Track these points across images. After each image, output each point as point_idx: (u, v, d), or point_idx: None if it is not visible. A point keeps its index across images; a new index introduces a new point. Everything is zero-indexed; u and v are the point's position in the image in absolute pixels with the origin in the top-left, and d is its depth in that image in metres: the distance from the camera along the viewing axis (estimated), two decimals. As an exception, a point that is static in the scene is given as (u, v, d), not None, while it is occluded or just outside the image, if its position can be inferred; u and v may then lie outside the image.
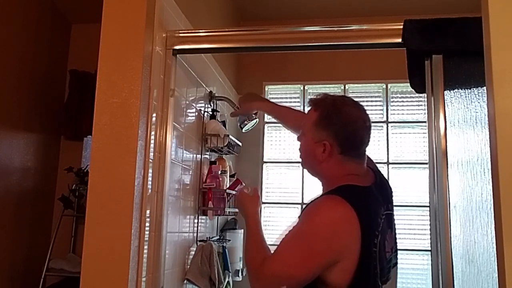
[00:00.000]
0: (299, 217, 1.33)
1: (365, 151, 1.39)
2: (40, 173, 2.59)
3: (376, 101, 2.84)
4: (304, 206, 2.56)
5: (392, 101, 2.84)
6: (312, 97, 1.44)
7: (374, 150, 2.72)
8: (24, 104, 2.44)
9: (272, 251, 1.30)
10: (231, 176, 2.40)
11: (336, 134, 1.31)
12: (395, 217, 1.47)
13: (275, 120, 3.02)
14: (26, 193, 2.46)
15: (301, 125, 1.44)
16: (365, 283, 1.24)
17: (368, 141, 1.38)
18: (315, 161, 1.35)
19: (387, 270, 1.33)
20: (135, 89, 1.43)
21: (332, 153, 1.32)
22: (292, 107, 1.95)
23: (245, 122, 2.04)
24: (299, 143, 1.45)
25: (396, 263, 1.42)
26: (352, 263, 1.21)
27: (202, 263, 1.86)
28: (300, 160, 1.46)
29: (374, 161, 1.53)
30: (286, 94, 3.00)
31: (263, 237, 1.38)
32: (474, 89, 1.35)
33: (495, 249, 0.86)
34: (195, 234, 1.98)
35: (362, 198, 1.27)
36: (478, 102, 1.32)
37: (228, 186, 2.27)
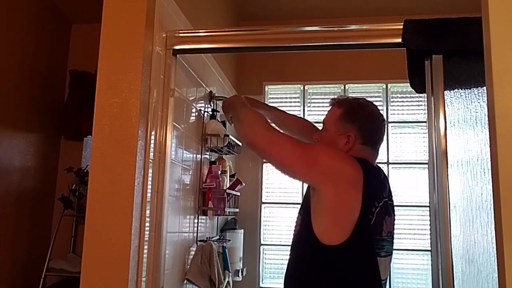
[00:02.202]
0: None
1: (379, 149, 1.51)
2: (40, 173, 2.59)
3: (376, 101, 2.82)
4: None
5: (392, 101, 2.84)
6: (333, 97, 1.57)
7: (374, 150, 2.72)
8: (24, 104, 2.44)
9: None
10: (231, 176, 2.40)
11: (360, 127, 1.46)
12: (395, 216, 1.49)
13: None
14: (26, 193, 2.46)
15: (323, 121, 1.56)
16: (362, 244, 1.32)
17: (383, 139, 1.52)
18: None
19: (380, 246, 1.38)
20: (135, 89, 1.43)
21: (355, 144, 1.45)
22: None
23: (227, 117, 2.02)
24: (316, 140, 1.57)
25: (391, 252, 1.46)
26: (351, 217, 1.29)
27: (202, 263, 1.86)
28: None
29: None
30: (286, 94, 3.00)
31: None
32: (474, 89, 1.35)
33: (495, 249, 0.86)
34: (195, 234, 1.98)
35: (371, 169, 1.41)
36: (478, 102, 1.32)
37: (228, 186, 2.27)
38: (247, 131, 1.49)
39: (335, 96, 1.57)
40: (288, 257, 1.46)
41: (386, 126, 1.55)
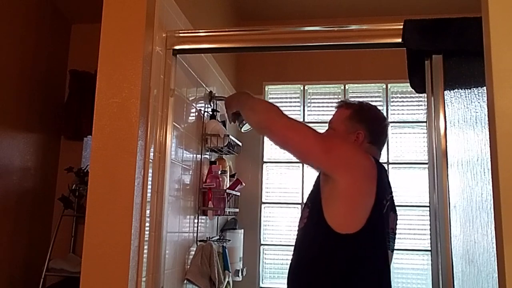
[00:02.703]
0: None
1: (382, 150, 1.57)
2: (40, 173, 2.59)
3: (376, 101, 2.83)
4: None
5: (392, 101, 2.84)
6: (340, 100, 1.63)
7: (374, 150, 2.73)
8: (24, 104, 2.44)
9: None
10: (231, 176, 2.40)
11: (369, 126, 1.51)
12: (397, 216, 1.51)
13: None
14: (26, 193, 2.46)
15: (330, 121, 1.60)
16: (375, 234, 1.35)
17: (385, 142, 1.58)
18: None
19: (388, 239, 1.42)
20: (135, 89, 1.43)
21: (363, 142, 1.50)
22: None
23: (244, 121, 2.02)
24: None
25: (393, 250, 1.48)
26: (365, 206, 1.32)
27: (202, 263, 1.86)
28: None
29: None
30: (286, 94, 3.00)
31: None
32: (474, 89, 1.35)
33: (495, 249, 0.86)
34: (195, 234, 1.98)
35: (381, 166, 1.46)
36: (478, 102, 1.32)
37: (228, 186, 2.27)
38: (264, 117, 1.51)
39: (342, 99, 1.64)
40: (290, 256, 1.46)
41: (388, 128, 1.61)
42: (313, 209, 1.41)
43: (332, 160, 1.36)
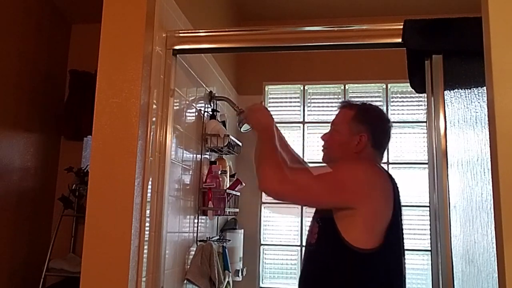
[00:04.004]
0: None
1: (384, 152, 1.54)
2: (40, 173, 2.59)
3: (376, 101, 2.83)
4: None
5: (392, 101, 2.84)
6: (343, 100, 1.54)
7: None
8: (24, 104, 2.44)
9: None
10: (231, 176, 2.40)
11: (373, 129, 1.47)
12: None
13: (275, 120, 3.02)
14: (26, 193, 2.46)
15: (333, 122, 1.56)
16: (393, 248, 1.35)
17: (388, 144, 1.56)
18: (348, 152, 1.47)
19: (403, 253, 1.43)
20: (135, 89, 1.43)
21: (366, 145, 1.46)
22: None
23: (244, 121, 2.01)
24: (322, 141, 1.57)
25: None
26: (385, 219, 1.32)
27: (202, 263, 1.86)
28: (323, 154, 1.57)
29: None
30: (286, 94, 3.00)
31: (277, 147, 1.48)
32: (474, 89, 1.35)
33: (495, 249, 0.86)
34: (195, 234, 1.98)
35: (393, 181, 1.45)
36: (478, 102, 1.32)
37: (228, 186, 2.27)
38: (268, 181, 1.38)
39: (345, 100, 1.62)
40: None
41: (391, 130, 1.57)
42: (325, 225, 1.39)
43: (346, 197, 1.33)
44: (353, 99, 1.65)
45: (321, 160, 1.56)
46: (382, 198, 1.35)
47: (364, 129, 1.46)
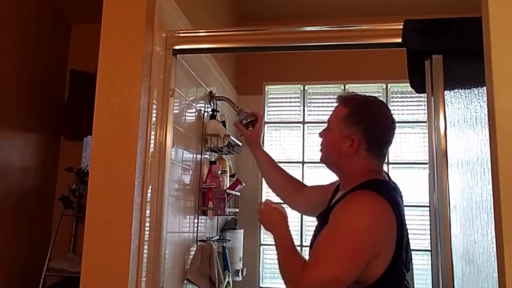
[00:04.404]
0: (323, 218, 1.33)
1: (387, 151, 1.45)
2: (40, 173, 2.59)
3: (376, 101, 2.84)
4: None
5: (392, 101, 2.84)
6: (340, 94, 1.47)
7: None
8: (24, 104, 2.44)
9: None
10: (231, 176, 2.40)
11: (366, 131, 1.35)
12: None
13: (275, 120, 3.02)
14: (26, 193, 2.46)
15: (328, 120, 1.46)
16: (395, 274, 1.26)
17: (391, 142, 1.44)
18: (340, 156, 1.38)
19: (409, 259, 1.36)
20: (135, 89, 1.43)
21: (359, 149, 1.35)
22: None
23: (244, 121, 1.98)
24: (320, 139, 1.48)
25: (412, 257, 1.43)
26: (388, 256, 1.23)
27: (202, 263, 1.86)
28: (320, 154, 1.48)
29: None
30: (286, 94, 3.00)
31: (295, 247, 1.36)
32: (474, 89, 1.35)
33: (495, 249, 0.86)
34: (195, 234, 1.98)
35: (390, 191, 1.32)
36: (478, 102, 1.32)
37: (228, 186, 2.27)
38: (285, 276, 1.33)
39: (344, 93, 1.51)
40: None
41: (395, 127, 1.45)
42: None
43: (361, 263, 1.20)
44: (353, 92, 1.49)
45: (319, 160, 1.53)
46: (388, 243, 1.24)
47: (358, 131, 1.34)
